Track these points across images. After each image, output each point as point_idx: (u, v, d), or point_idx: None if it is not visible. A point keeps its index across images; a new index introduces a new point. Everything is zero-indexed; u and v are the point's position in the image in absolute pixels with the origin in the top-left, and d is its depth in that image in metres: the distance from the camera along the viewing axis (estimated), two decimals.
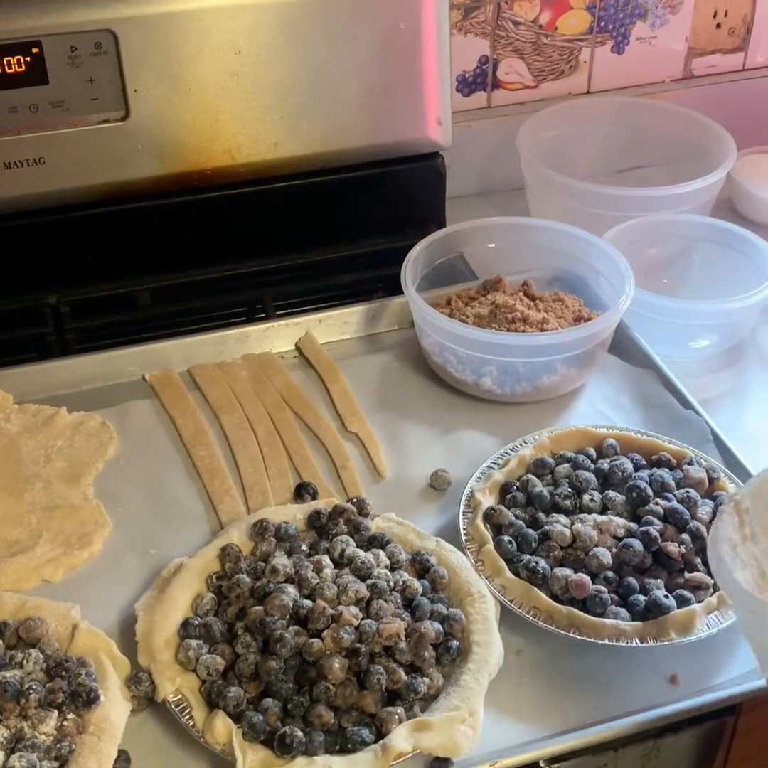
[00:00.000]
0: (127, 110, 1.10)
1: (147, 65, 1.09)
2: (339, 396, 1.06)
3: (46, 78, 1.07)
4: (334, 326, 1.14)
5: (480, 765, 0.73)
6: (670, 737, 0.83)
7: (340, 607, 0.78)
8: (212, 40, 1.10)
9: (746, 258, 1.16)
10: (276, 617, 0.77)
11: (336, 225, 1.26)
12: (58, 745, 0.71)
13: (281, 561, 0.82)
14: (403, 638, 0.77)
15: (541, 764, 0.80)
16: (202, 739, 0.73)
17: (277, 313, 1.18)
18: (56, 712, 0.73)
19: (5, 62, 1.05)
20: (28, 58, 1.06)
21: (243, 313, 1.20)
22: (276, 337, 1.12)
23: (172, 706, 0.75)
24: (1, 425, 1.00)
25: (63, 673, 0.75)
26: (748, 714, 0.93)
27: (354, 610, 0.77)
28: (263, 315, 1.17)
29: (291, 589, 0.80)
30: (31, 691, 0.73)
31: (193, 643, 0.78)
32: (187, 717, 0.75)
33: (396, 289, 1.10)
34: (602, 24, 1.37)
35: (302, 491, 0.94)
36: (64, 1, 1.06)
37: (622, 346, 1.09)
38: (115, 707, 0.74)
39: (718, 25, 1.42)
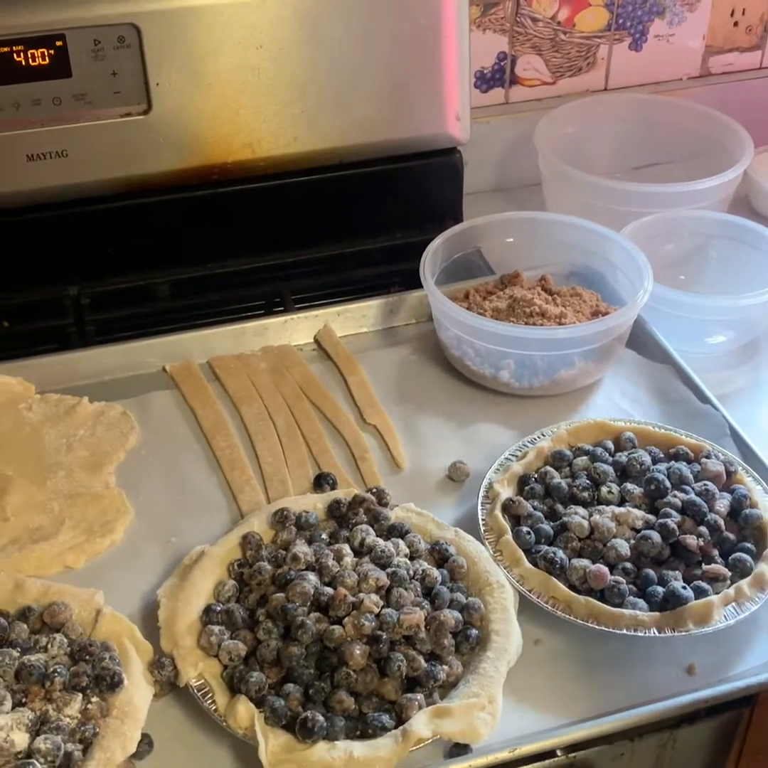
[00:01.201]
0: (149, 104, 1.11)
1: (169, 59, 1.10)
2: (357, 388, 1.06)
3: (70, 71, 1.08)
4: (353, 319, 1.15)
5: (499, 752, 0.74)
6: (687, 727, 0.83)
7: (361, 595, 0.78)
8: (233, 35, 1.11)
9: (762, 254, 1.17)
10: (297, 604, 0.78)
11: (354, 219, 1.27)
12: (82, 728, 0.72)
13: (302, 549, 0.83)
14: (423, 628, 0.78)
15: (558, 753, 0.81)
16: (224, 724, 0.74)
17: (296, 306, 1.18)
18: (80, 695, 0.74)
19: (29, 55, 1.06)
20: (51, 51, 1.07)
21: (261, 306, 1.21)
22: (295, 329, 1.13)
23: (195, 691, 0.76)
24: (24, 414, 1.01)
25: (87, 657, 0.76)
26: (763, 705, 0.93)
27: (375, 597, 0.78)
28: (282, 308, 1.18)
29: (312, 577, 0.80)
30: (55, 675, 0.74)
31: (216, 628, 0.78)
32: (209, 701, 0.76)
33: (413, 283, 1.11)
34: (620, 21, 1.37)
35: (322, 481, 0.94)
36: None
37: (640, 340, 1.10)
38: (138, 691, 0.75)
39: (736, 24, 1.43)
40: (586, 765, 0.82)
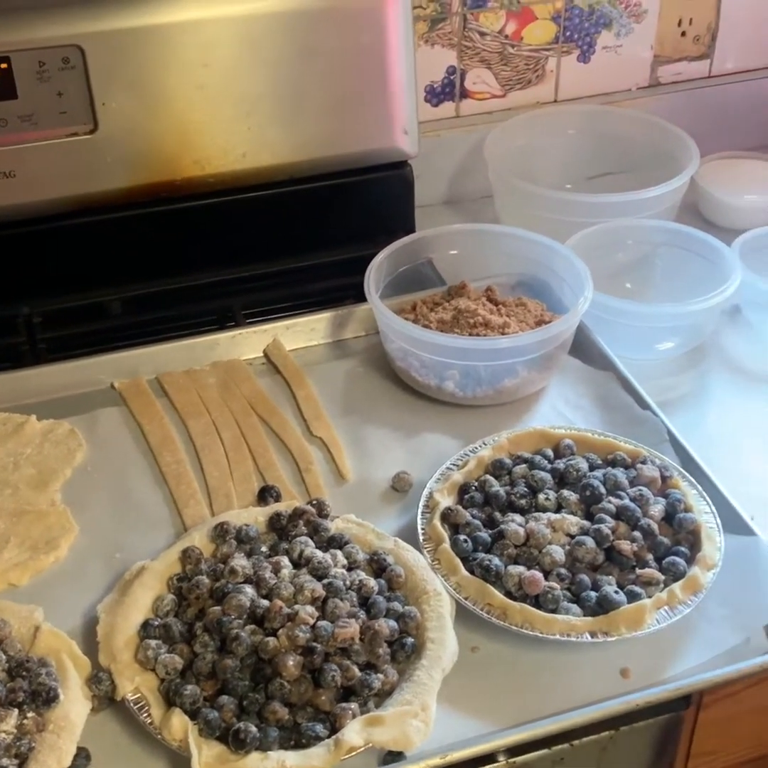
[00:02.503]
0: (95, 123, 1.12)
1: (115, 79, 1.11)
2: (305, 401, 1.07)
3: (15, 92, 1.09)
4: (302, 333, 1.16)
5: (431, 758, 0.74)
6: (625, 730, 0.84)
7: (296, 607, 0.79)
8: (179, 54, 1.13)
9: (707, 262, 1.18)
10: (233, 617, 0.79)
11: (306, 234, 1.28)
12: (17, 743, 0.73)
13: (240, 562, 0.84)
14: (358, 640, 0.78)
15: (500, 758, 0.82)
16: (159, 736, 0.75)
17: (248, 321, 1.19)
18: (16, 710, 0.74)
19: None
20: None
21: (213, 322, 1.22)
22: (244, 344, 1.14)
23: (131, 705, 0.77)
24: None
25: (24, 673, 0.77)
26: (709, 709, 0.94)
27: (310, 609, 0.79)
28: (233, 323, 1.19)
29: (249, 590, 0.81)
30: None
31: (153, 643, 0.79)
32: (145, 715, 0.76)
33: (365, 297, 1.12)
34: (568, 34, 1.39)
35: (266, 495, 0.95)
36: (31, 17, 1.08)
37: (584, 348, 1.11)
38: (74, 706, 0.76)
39: (683, 33, 1.45)
40: None
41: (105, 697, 0.78)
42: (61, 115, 1.11)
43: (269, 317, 1.21)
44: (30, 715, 0.75)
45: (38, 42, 1.08)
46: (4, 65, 1.08)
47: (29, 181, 1.13)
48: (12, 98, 1.09)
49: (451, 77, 1.38)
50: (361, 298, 1.17)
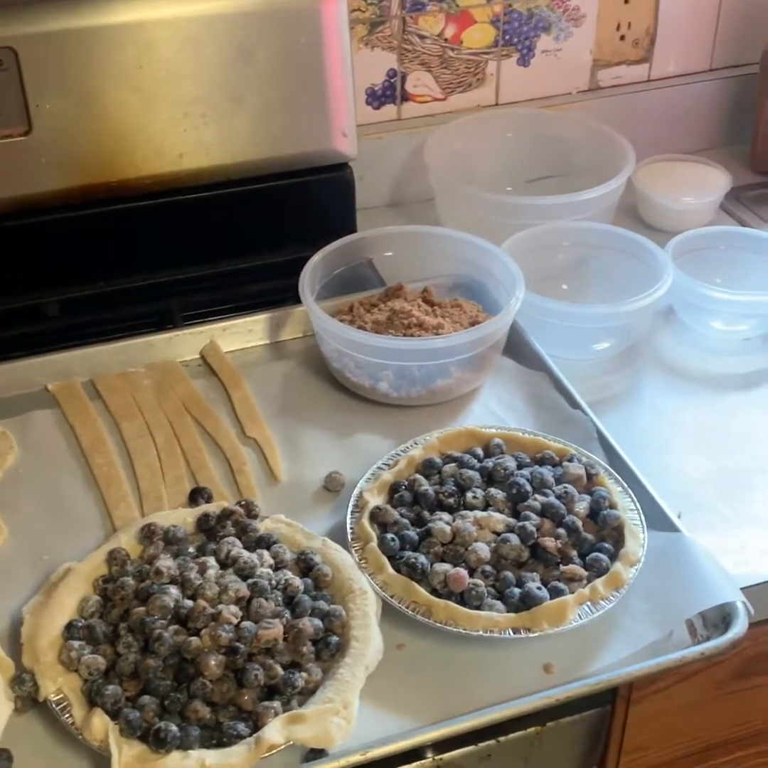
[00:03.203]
0: (29, 125, 1.12)
1: (49, 81, 1.11)
2: (240, 403, 1.07)
3: None
4: (239, 334, 1.16)
5: (352, 755, 0.75)
6: (552, 726, 0.85)
7: (220, 606, 0.79)
8: (114, 56, 1.12)
9: (641, 263, 1.20)
10: (156, 617, 0.79)
11: (246, 235, 1.28)
12: None
13: (166, 563, 0.84)
14: (281, 640, 0.79)
15: (427, 755, 0.82)
16: (81, 737, 0.75)
17: (187, 322, 1.19)
18: None
19: None
20: None
21: (152, 324, 1.21)
22: (181, 345, 1.14)
23: (54, 705, 0.77)
24: None
25: None
26: (639, 705, 0.96)
27: (234, 608, 0.79)
28: (171, 325, 1.19)
29: (174, 590, 0.81)
30: None
31: (76, 644, 0.79)
32: (67, 715, 0.76)
33: None
34: (507, 37, 1.40)
35: (197, 496, 0.95)
36: None
37: (518, 349, 1.12)
38: None
39: (622, 37, 1.46)
40: (455, 767, 0.83)
41: (28, 698, 0.78)
42: None
43: (208, 319, 1.21)
44: None
45: None
46: None
47: None
48: None
49: (392, 80, 1.39)
50: (300, 299, 1.18)
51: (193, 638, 0.77)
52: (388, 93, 1.40)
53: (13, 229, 1.17)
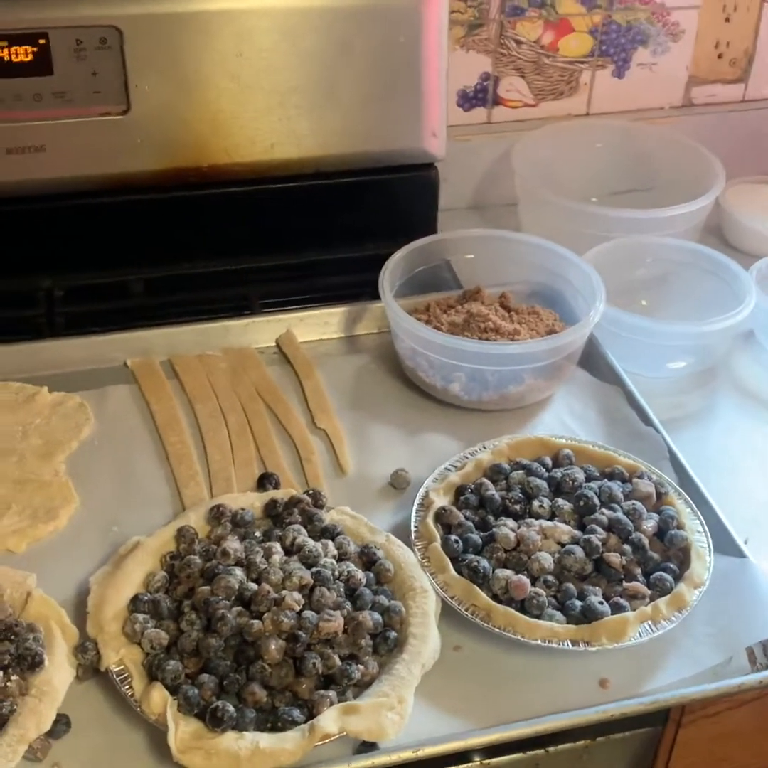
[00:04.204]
0: (128, 104, 1.14)
1: (150, 62, 1.13)
2: (312, 392, 1.08)
3: (51, 69, 1.10)
4: (315, 325, 1.17)
5: (404, 751, 0.75)
6: (602, 740, 0.85)
7: (284, 592, 0.80)
8: (215, 42, 1.14)
9: (724, 284, 1.19)
10: (220, 597, 0.80)
11: (328, 228, 1.29)
12: (0, 704, 0.74)
13: (233, 545, 0.85)
14: (341, 633, 0.79)
15: (475, 759, 0.82)
16: (139, 709, 0.76)
17: (263, 310, 1.21)
18: (1, 672, 0.76)
19: (12, 51, 1.09)
20: (34, 49, 1.09)
21: (230, 308, 1.23)
22: (257, 332, 1.15)
23: (114, 676, 0.78)
24: None
25: (12, 636, 0.78)
26: (687, 728, 0.95)
27: (297, 596, 0.80)
28: (248, 311, 1.21)
29: (239, 572, 0.82)
30: None
31: (140, 617, 0.81)
32: (127, 687, 0.78)
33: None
34: (604, 48, 1.40)
35: (265, 481, 0.96)
36: None
37: (593, 361, 1.12)
38: (58, 672, 0.77)
39: (720, 56, 1.45)
40: None
41: (89, 666, 0.80)
42: (95, 94, 1.13)
43: (284, 308, 1.22)
44: (14, 678, 0.76)
45: (77, 20, 1.10)
46: (42, 41, 1.09)
47: (58, 156, 1.15)
48: (48, 74, 1.11)
49: (485, 83, 1.39)
50: (376, 295, 1.18)
51: (256, 621, 0.78)
52: (480, 96, 1.40)
53: (106, 205, 1.20)
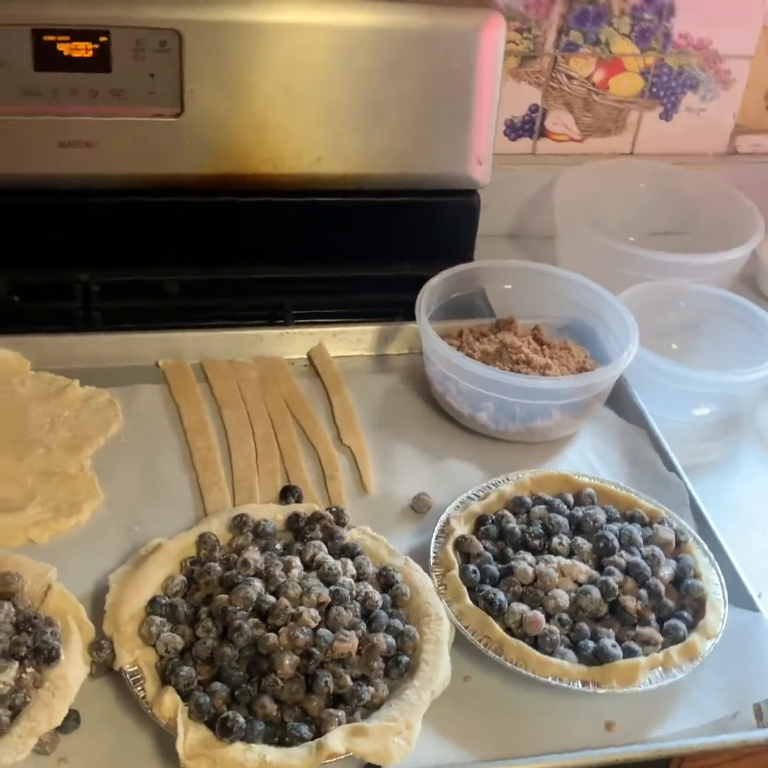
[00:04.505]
0: (181, 107, 1.15)
1: (206, 68, 1.14)
2: (340, 408, 1.09)
3: (110, 66, 1.12)
4: (347, 341, 1.18)
5: None
6: None
7: (301, 608, 0.81)
8: (270, 53, 1.15)
9: (756, 334, 1.19)
10: (238, 607, 0.81)
11: (367, 244, 1.30)
12: (13, 695, 0.75)
13: (253, 555, 0.85)
14: (355, 654, 0.80)
15: None
16: (149, 711, 0.77)
17: (296, 321, 1.22)
18: (17, 663, 0.77)
19: (73, 46, 1.11)
20: (95, 46, 1.11)
21: (264, 316, 1.24)
22: (289, 343, 1.16)
23: (127, 676, 0.79)
24: (15, 388, 1.05)
25: (30, 628, 0.79)
26: None
27: (314, 612, 0.81)
28: (282, 321, 1.21)
29: (257, 583, 0.83)
30: None
31: (157, 619, 0.81)
32: (139, 688, 0.78)
33: (414, 315, 1.13)
34: (654, 90, 1.40)
35: (287, 494, 0.97)
36: None
37: (620, 401, 1.12)
38: (73, 668, 0.78)
39: None
40: None
41: (103, 664, 0.81)
42: (150, 95, 1.14)
43: (317, 320, 1.23)
44: (29, 670, 0.77)
45: (139, 21, 1.11)
46: (103, 39, 1.11)
47: (108, 153, 1.16)
48: (106, 71, 1.12)
49: (533, 115, 1.40)
50: (409, 315, 1.19)
51: (271, 634, 0.79)
52: (527, 127, 1.41)
53: (149, 205, 1.21)
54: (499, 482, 0.98)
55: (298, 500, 0.97)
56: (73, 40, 1.10)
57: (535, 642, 0.83)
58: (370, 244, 1.30)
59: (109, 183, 1.19)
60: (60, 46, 1.10)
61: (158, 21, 1.11)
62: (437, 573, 0.89)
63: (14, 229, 1.20)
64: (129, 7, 1.11)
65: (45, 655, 0.77)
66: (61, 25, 1.09)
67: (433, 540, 0.92)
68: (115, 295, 1.22)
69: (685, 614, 0.87)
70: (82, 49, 1.11)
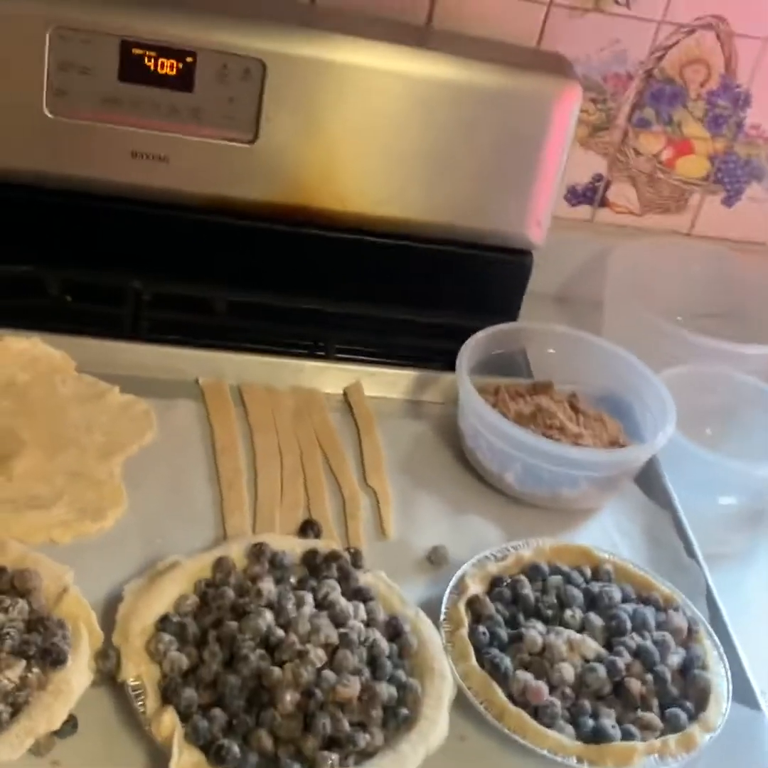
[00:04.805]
0: (256, 135, 1.17)
1: (285, 99, 1.16)
2: (369, 449, 1.10)
3: (192, 86, 1.14)
4: (384, 383, 1.18)
5: None
6: None
7: (308, 646, 0.81)
8: (349, 94, 1.17)
9: None
10: (247, 637, 0.81)
11: (416, 289, 1.31)
12: (16, 693, 0.76)
13: (267, 586, 0.86)
14: (356, 701, 0.80)
15: None
16: (147, 728, 0.77)
17: (337, 356, 1.23)
18: (24, 662, 0.77)
19: (160, 62, 1.13)
20: (180, 65, 1.13)
21: (306, 347, 1.25)
22: (329, 377, 1.17)
23: (130, 689, 0.80)
24: (57, 387, 1.06)
25: (41, 629, 0.79)
26: None
27: (320, 652, 0.81)
28: (323, 354, 1.23)
29: (268, 615, 0.83)
30: (7, 637, 0.78)
31: (166, 637, 0.82)
32: (139, 703, 0.79)
33: (453, 365, 1.14)
34: (719, 175, 1.42)
35: (307, 528, 0.98)
36: (228, 23, 1.14)
37: (648, 479, 1.12)
38: (78, 674, 0.78)
39: None
40: None
41: (107, 674, 0.81)
42: (228, 119, 1.16)
43: (357, 357, 1.24)
44: (35, 670, 0.77)
45: (227, 47, 1.13)
46: (189, 59, 1.13)
47: (179, 170, 1.18)
48: (188, 91, 1.15)
49: (596, 184, 1.41)
50: (447, 364, 1.20)
51: (276, 669, 0.79)
52: (589, 195, 1.42)
53: (210, 224, 1.23)
54: (519, 546, 0.98)
55: (317, 535, 0.98)
56: (160, 56, 1.13)
57: (536, 712, 0.83)
58: (420, 290, 1.31)
59: (175, 198, 1.21)
60: (147, 61, 1.13)
61: (245, 49, 1.14)
62: (446, 629, 0.89)
63: (76, 230, 1.22)
64: (219, 31, 1.13)
65: (53, 658, 0.78)
66: (151, 40, 1.12)
67: (447, 595, 0.92)
68: (165, 306, 1.24)
69: (688, 704, 0.86)
70: (168, 66, 1.14)
